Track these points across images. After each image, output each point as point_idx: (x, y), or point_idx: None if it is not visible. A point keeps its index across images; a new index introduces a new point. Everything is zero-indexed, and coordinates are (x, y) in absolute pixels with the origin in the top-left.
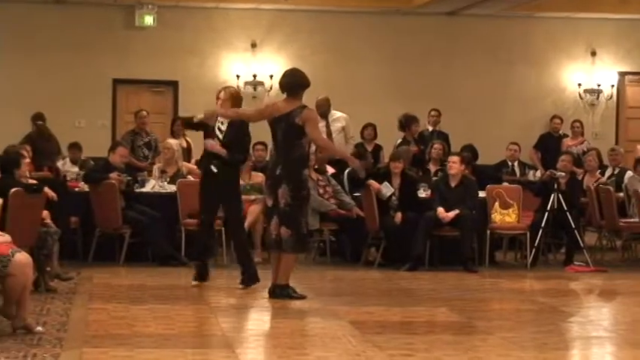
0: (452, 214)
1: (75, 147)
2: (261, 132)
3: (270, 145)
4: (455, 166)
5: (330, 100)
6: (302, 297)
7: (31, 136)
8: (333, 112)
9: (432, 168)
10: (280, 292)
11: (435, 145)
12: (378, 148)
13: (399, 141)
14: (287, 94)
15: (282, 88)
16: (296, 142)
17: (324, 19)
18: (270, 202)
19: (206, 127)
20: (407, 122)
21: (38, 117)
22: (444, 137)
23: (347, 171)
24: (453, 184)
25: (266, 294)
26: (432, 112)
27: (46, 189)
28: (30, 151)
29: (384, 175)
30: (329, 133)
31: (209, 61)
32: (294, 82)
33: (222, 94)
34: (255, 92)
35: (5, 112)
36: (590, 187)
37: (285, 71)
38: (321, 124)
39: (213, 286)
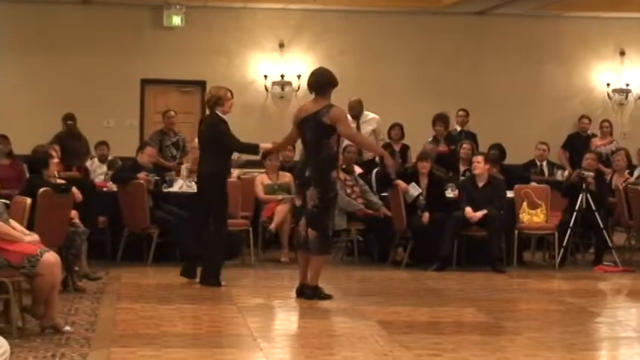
0: (480, 214)
1: (102, 145)
2: (288, 131)
3: (298, 146)
4: (479, 165)
5: (362, 101)
6: (329, 297)
7: (60, 136)
8: (365, 113)
9: (461, 168)
10: (310, 293)
11: (464, 145)
12: (405, 148)
13: (430, 139)
14: (315, 93)
15: (311, 87)
16: (324, 142)
17: (352, 18)
18: (298, 202)
19: None
20: (438, 121)
21: (69, 117)
22: (471, 137)
23: (375, 171)
24: (480, 184)
25: (293, 294)
26: (460, 112)
27: (74, 189)
28: (59, 150)
29: (412, 175)
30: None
31: (237, 61)
32: (322, 81)
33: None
34: (282, 92)
35: (35, 113)
36: (618, 186)
37: (313, 70)
38: (353, 126)
39: (240, 285)
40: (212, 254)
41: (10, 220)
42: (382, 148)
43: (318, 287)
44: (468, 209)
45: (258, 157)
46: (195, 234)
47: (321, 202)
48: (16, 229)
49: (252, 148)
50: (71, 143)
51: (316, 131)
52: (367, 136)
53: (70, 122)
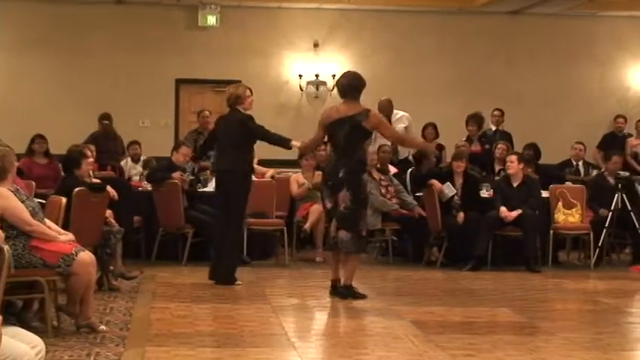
0: (514, 213)
1: (135, 144)
2: None
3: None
4: (513, 165)
5: (392, 101)
6: (363, 296)
7: (95, 135)
8: (395, 111)
9: (497, 167)
10: (344, 292)
11: (500, 145)
12: (439, 148)
13: (463, 139)
14: (346, 96)
15: (342, 91)
16: (359, 145)
17: (386, 18)
18: (329, 205)
19: None
20: (471, 120)
21: (104, 117)
22: (507, 137)
23: (409, 170)
24: (514, 184)
25: (327, 293)
26: (495, 112)
27: (109, 188)
28: (94, 150)
29: (447, 175)
30: None
31: (271, 60)
32: (354, 85)
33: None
34: (317, 92)
35: (71, 113)
36: None
37: (344, 73)
38: None
39: (275, 285)
40: (229, 252)
41: (46, 219)
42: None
43: (352, 286)
44: (503, 209)
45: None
46: (219, 232)
47: (353, 204)
48: (51, 228)
49: (285, 142)
50: (106, 143)
51: (352, 134)
52: None
53: (106, 122)
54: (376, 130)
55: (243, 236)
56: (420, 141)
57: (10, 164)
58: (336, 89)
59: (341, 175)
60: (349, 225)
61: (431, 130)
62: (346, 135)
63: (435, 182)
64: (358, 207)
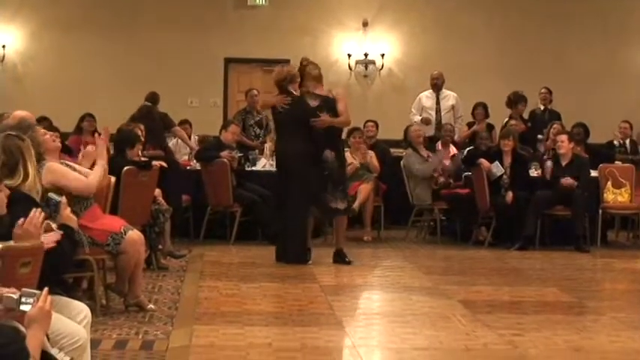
0: (572, 181)
1: (185, 123)
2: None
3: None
4: (563, 145)
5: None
6: (348, 262)
7: (134, 116)
8: (443, 90)
9: (550, 147)
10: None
11: (555, 126)
12: (489, 128)
13: (507, 119)
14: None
15: None
16: None
17: None
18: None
19: None
20: (515, 100)
21: (150, 96)
22: (556, 116)
23: (467, 149)
24: (563, 163)
25: (376, 272)
26: (543, 90)
27: (155, 162)
28: (144, 130)
29: (496, 155)
30: (438, 110)
31: (321, 40)
32: None
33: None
34: (366, 71)
35: (119, 92)
36: None
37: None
38: (432, 101)
39: (323, 264)
40: (298, 231)
41: (75, 165)
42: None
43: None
44: (565, 179)
45: None
46: (278, 213)
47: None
48: (81, 172)
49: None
50: (151, 123)
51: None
52: (445, 112)
53: (149, 103)
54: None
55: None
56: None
57: (38, 146)
58: (385, 68)
59: None
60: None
61: (481, 109)
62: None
63: (483, 161)
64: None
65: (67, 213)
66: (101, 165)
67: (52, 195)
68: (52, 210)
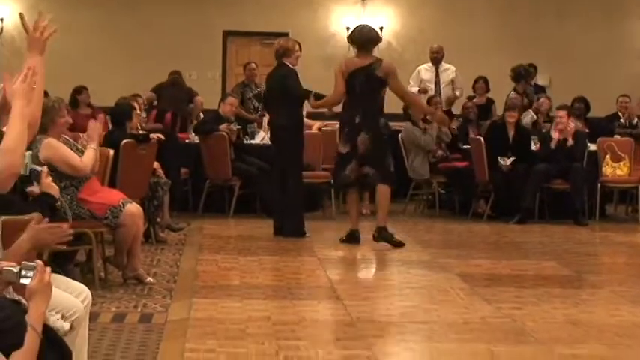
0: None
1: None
2: None
3: None
4: (562, 120)
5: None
6: (401, 244)
7: (162, 84)
8: (442, 63)
9: (541, 120)
10: (379, 236)
11: (541, 100)
12: (490, 102)
13: (511, 93)
14: (361, 50)
15: (357, 44)
16: (373, 94)
17: None
18: (345, 150)
19: None
20: (525, 75)
21: (176, 71)
22: (541, 89)
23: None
24: (561, 138)
25: (375, 246)
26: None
27: (153, 135)
28: (142, 103)
29: (501, 128)
30: (437, 83)
31: (319, 13)
32: (369, 38)
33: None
34: None
35: (118, 65)
36: None
37: (359, 28)
38: (431, 74)
39: (321, 237)
40: (293, 206)
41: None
42: (461, 101)
43: (386, 228)
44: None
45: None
46: (275, 187)
47: (373, 145)
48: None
49: (307, 93)
50: (171, 90)
51: (367, 83)
52: (444, 86)
53: (176, 75)
54: (387, 78)
55: (303, 188)
56: (423, 104)
57: (57, 115)
58: (382, 42)
59: (357, 121)
60: (374, 162)
61: (481, 83)
62: (361, 84)
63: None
64: (380, 147)
65: (47, 182)
66: (93, 148)
67: (33, 165)
68: (33, 178)
